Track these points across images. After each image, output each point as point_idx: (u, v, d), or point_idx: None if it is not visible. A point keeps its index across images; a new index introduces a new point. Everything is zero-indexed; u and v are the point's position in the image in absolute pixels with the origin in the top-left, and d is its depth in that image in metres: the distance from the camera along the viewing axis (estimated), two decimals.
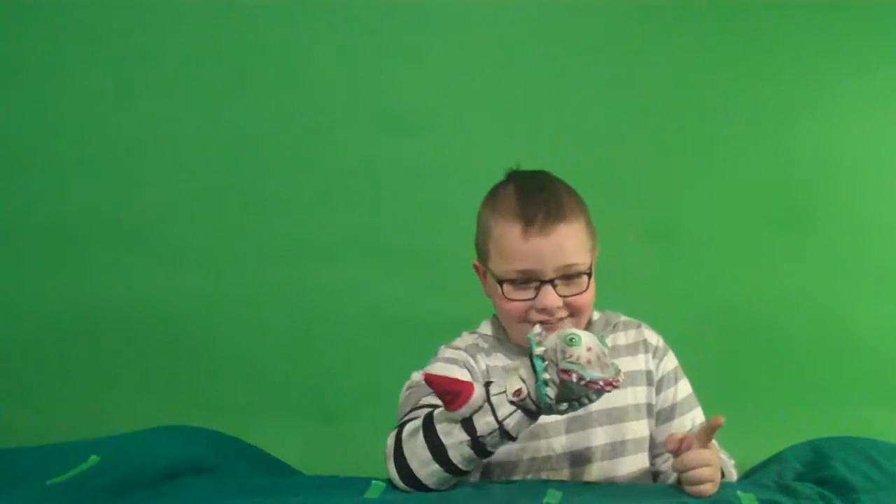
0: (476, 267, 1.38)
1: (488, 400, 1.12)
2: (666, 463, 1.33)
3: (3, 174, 2.14)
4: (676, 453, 1.16)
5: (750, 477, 1.36)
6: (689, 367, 1.43)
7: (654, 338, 1.42)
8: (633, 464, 1.34)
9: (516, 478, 1.32)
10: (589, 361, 1.06)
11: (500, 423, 1.10)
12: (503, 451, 1.30)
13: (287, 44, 2.14)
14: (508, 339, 1.37)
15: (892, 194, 2.08)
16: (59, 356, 2.11)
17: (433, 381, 1.13)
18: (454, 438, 1.12)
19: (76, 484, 1.25)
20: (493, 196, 1.36)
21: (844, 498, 1.16)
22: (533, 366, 1.10)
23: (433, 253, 2.05)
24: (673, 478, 1.25)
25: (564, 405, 1.10)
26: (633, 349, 1.40)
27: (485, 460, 1.28)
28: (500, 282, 1.31)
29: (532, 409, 1.11)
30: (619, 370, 1.08)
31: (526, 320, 1.31)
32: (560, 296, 1.29)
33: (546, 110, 2.09)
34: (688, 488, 1.14)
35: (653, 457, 1.36)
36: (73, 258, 2.12)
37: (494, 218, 1.33)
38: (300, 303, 2.10)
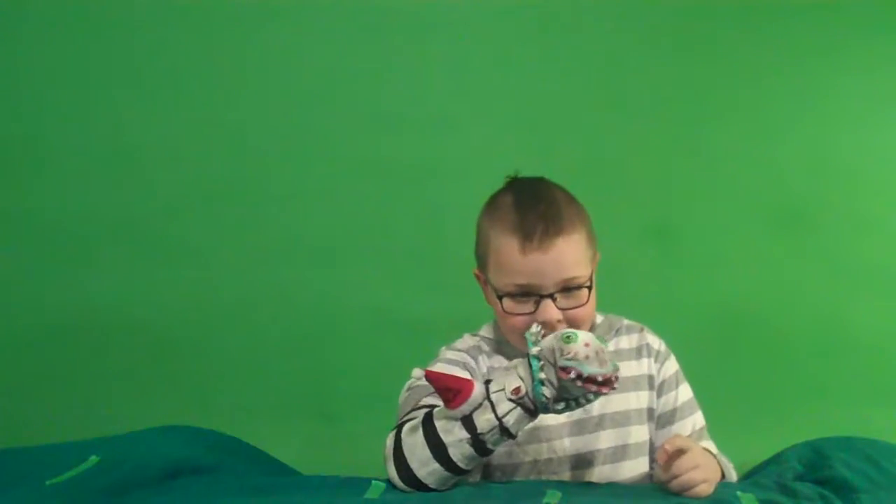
0: (477, 276, 1.38)
1: (488, 397, 1.12)
2: None
3: (4, 174, 2.14)
4: (666, 465, 1.16)
5: (750, 477, 1.36)
6: (689, 367, 1.43)
7: (656, 342, 1.41)
8: (635, 468, 1.34)
9: (517, 479, 1.32)
10: (587, 357, 1.06)
11: (500, 420, 1.11)
12: (504, 453, 1.31)
13: (287, 44, 2.14)
14: (509, 342, 1.37)
15: (892, 194, 2.08)
16: (59, 356, 2.11)
17: (434, 379, 1.13)
18: (454, 436, 1.12)
19: (76, 484, 1.25)
20: (492, 206, 1.35)
21: (844, 498, 1.16)
22: (530, 365, 1.10)
23: (433, 253, 2.05)
24: None
25: (562, 405, 1.10)
26: (636, 353, 1.40)
27: (486, 462, 1.28)
28: (500, 296, 1.30)
29: (530, 407, 1.11)
30: (618, 367, 1.08)
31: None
32: (560, 308, 1.28)
33: (546, 110, 2.09)
34: (685, 494, 1.14)
35: (652, 461, 1.36)
36: (73, 258, 2.12)
37: (493, 230, 1.32)
38: (300, 303, 2.10)
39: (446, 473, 1.14)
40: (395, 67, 2.12)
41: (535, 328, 1.13)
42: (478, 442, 1.12)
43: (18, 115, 2.14)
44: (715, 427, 1.40)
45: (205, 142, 2.13)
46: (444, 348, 1.40)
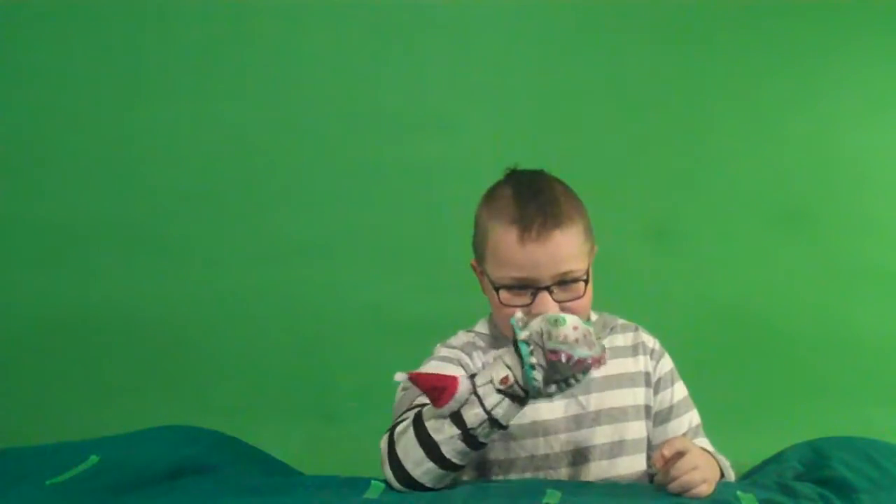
0: (473, 266, 1.38)
1: (475, 391, 1.12)
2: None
3: (4, 174, 2.14)
4: (664, 469, 1.15)
5: (750, 477, 1.36)
6: (689, 366, 1.43)
7: (650, 340, 1.42)
8: (631, 465, 1.34)
9: (514, 476, 1.32)
10: (577, 340, 1.06)
11: (488, 412, 1.11)
12: (502, 449, 1.31)
13: (287, 44, 2.14)
14: (504, 336, 1.37)
15: (892, 194, 2.08)
16: (60, 356, 2.11)
17: (419, 380, 1.12)
18: (445, 434, 1.12)
19: (76, 484, 1.25)
20: (491, 197, 1.35)
21: (844, 498, 1.16)
22: (518, 351, 1.10)
23: (433, 253, 2.05)
24: None
25: (553, 387, 1.10)
26: (631, 351, 1.40)
27: (483, 457, 1.28)
28: (497, 288, 1.30)
29: (520, 394, 1.11)
30: (605, 348, 1.09)
31: None
32: (556, 301, 1.27)
33: (546, 110, 2.09)
34: (685, 495, 1.14)
35: (649, 459, 1.36)
36: (73, 258, 2.12)
37: (491, 221, 1.32)
38: (300, 303, 2.10)
39: (441, 471, 1.14)
40: (395, 68, 2.12)
41: (518, 314, 1.12)
42: (469, 437, 1.12)
43: (19, 116, 2.15)
44: (715, 427, 1.41)
45: (205, 142, 2.13)
46: (438, 345, 1.40)
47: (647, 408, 1.37)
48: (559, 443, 1.32)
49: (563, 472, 1.31)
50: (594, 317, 1.42)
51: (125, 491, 1.22)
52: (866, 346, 2.05)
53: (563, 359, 1.06)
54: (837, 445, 1.39)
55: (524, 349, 1.09)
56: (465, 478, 1.31)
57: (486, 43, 2.14)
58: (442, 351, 1.37)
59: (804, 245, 2.07)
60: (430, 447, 1.13)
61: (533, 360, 1.08)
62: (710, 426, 1.39)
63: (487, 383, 1.12)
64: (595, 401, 1.34)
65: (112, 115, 2.14)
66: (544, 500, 1.11)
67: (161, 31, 2.14)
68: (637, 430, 1.35)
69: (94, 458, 1.33)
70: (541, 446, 1.31)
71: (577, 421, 1.33)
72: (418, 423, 1.15)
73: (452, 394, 1.11)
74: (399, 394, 1.29)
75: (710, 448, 1.33)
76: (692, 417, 1.38)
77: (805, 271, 2.07)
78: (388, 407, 1.32)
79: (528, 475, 1.31)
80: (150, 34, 2.14)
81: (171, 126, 2.13)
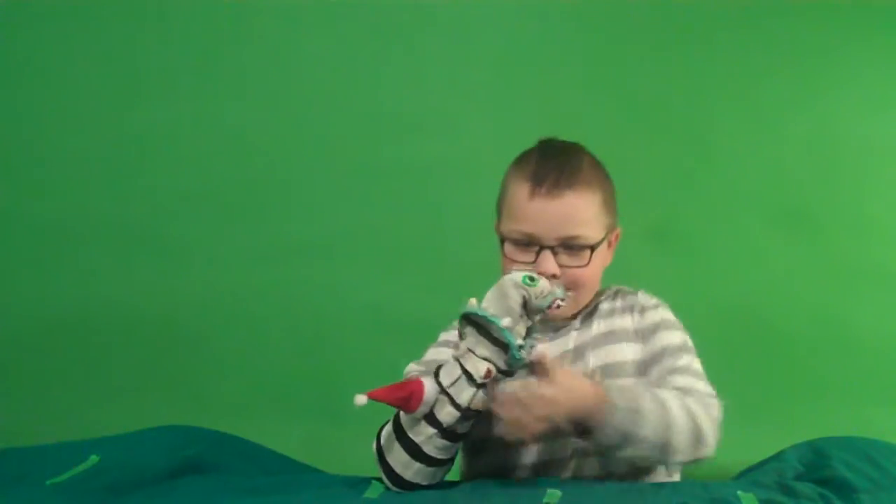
0: (496, 229, 1.37)
1: (444, 392, 1.12)
2: None
3: (3, 174, 2.14)
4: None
5: (750, 476, 1.36)
6: None
7: (645, 298, 1.40)
8: None
9: (529, 448, 1.28)
10: (551, 284, 1.14)
11: (464, 408, 1.11)
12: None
13: (287, 44, 2.14)
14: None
15: (893, 194, 2.08)
16: (59, 356, 2.11)
17: (380, 397, 1.11)
18: (423, 434, 1.12)
19: (76, 484, 1.25)
20: (518, 158, 1.36)
21: (844, 498, 1.16)
22: (497, 340, 1.11)
23: (433, 253, 2.05)
24: None
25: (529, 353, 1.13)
26: (628, 310, 1.39)
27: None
28: (503, 240, 1.30)
29: (501, 378, 1.13)
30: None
31: None
32: (560, 265, 1.27)
33: (546, 110, 2.09)
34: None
35: None
36: (73, 258, 2.12)
37: (510, 177, 1.33)
38: (300, 302, 2.10)
39: (430, 468, 1.14)
40: (395, 68, 2.12)
41: (473, 301, 1.13)
42: (447, 433, 1.12)
43: (19, 116, 2.14)
44: None
45: (205, 142, 2.13)
46: (441, 332, 1.41)
47: (639, 363, 1.34)
48: None
49: (568, 428, 1.30)
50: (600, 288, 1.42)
51: (125, 491, 1.22)
52: (866, 346, 2.04)
53: (556, 305, 1.13)
54: (837, 445, 1.39)
55: (509, 336, 1.09)
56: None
57: (486, 43, 2.14)
58: (443, 336, 1.39)
59: (804, 245, 2.07)
60: (413, 449, 1.13)
61: (519, 341, 1.09)
62: None
63: (457, 381, 1.12)
64: (598, 356, 1.32)
65: (112, 115, 2.14)
66: (544, 501, 1.11)
67: (161, 31, 2.14)
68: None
69: (94, 458, 1.33)
70: None
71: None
72: (398, 427, 1.15)
73: (420, 397, 1.11)
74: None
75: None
76: (674, 361, 1.31)
77: (805, 271, 2.07)
78: (389, 407, 1.32)
79: (540, 447, 1.28)
80: (150, 34, 2.14)
81: (171, 126, 2.13)
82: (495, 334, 1.11)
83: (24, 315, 2.12)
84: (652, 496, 1.14)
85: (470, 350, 1.13)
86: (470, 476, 1.33)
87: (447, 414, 1.11)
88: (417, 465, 1.14)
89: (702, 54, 2.09)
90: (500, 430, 1.11)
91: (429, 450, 1.13)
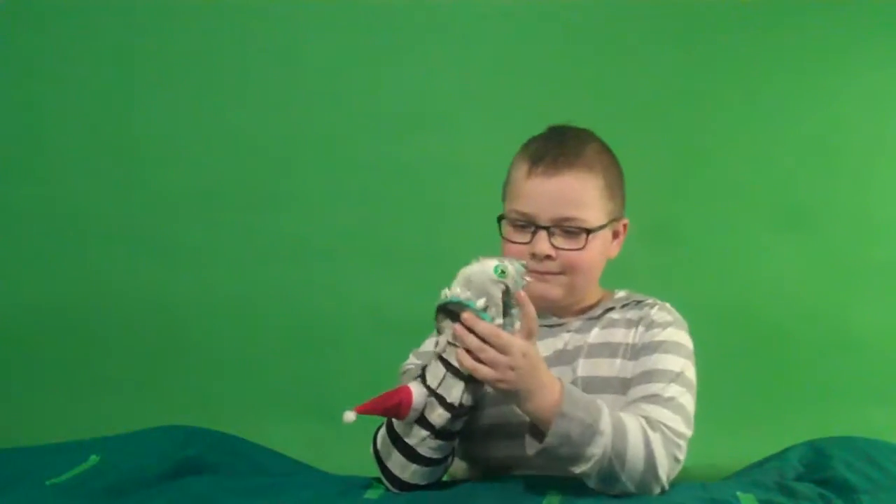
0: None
1: (433, 393, 1.11)
2: None
3: (4, 173, 2.14)
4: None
5: (750, 476, 1.36)
6: None
7: (659, 315, 1.31)
8: None
9: (504, 444, 1.26)
10: (512, 267, 1.15)
11: (456, 407, 1.11)
12: (495, 414, 1.25)
13: (287, 43, 2.14)
14: None
15: (893, 194, 2.08)
16: (60, 356, 2.11)
17: (369, 411, 1.11)
18: (417, 437, 1.12)
19: (76, 484, 1.25)
20: (527, 140, 1.35)
21: (844, 498, 1.16)
22: (455, 316, 1.12)
23: (433, 253, 2.04)
24: None
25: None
26: (628, 324, 1.32)
27: (471, 426, 1.25)
28: (501, 219, 1.29)
29: None
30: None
31: None
32: (555, 247, 1.25)
33: (546, 110, 2.06)
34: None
35: None
36: (73, 257, 2.12)
37: (515, 159, 1.33)
38: (300, 302, 2.10)
39: (428, 468, 1.14)
40: (395, 67, 2.12)
41: (446, 291, 1.13)
42: (441, 433, 1.12)
43: (20, 115, 2.14)
44: (715, 426, 1.40)
45: (205, 141, 2.13)
46: None
47: (622, 381, 1.26)
48: None
49: None
50: (621, 293, 1.38)
51: (125, 491, 1.22)
52: (866, 346, 2.04)
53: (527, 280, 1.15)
54: (837, 445, 1.39)
55: (485, 316, 1.10)
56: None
57: (486, 43, 2.13)
58: None
59: (804, 245, 2.07)
60: (408, 452, 1.13)
61: (499, 320, 1.11)
62: (710, 426, 1.38)
63: (444, 380, 1.11)
64: (585, 368, 1.28)
65: (113, 115, 2.14)
66: (543, 503, 1.11)
67: (162, 31, 2.14)
68: (612, 402, 1.21)
69: (94, 458, 1.33)
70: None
71: None
72: (391, 431, 1.15)
73: (409, 404, 1.11)
74: (401, 378, 1.29)
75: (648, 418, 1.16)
76: (664, 388, 1.21)
77: (805, 271, 2.07)
78: None
79: (519, 442, 1.23)
80: (151, 34, 2.14)
81: (172, 125, 2.13)
82: (468, 306, 1.10)
83: (25, 315, 2.12)
84: (649, 500, 1.14)
85: (450, 342, 1.12)
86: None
87: (438, 416, 1.11)
88: (414, 466, 1.14)
89: (702, 54, 2.09)
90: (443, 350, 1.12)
91: (424, 451, 1.13)
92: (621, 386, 1.25)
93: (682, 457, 1.16)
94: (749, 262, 2.07)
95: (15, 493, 1.19)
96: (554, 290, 1.30)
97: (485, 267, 1.13)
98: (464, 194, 2.05)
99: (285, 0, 2.12)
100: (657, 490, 1.12)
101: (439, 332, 1.15)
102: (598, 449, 1.09)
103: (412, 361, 1.32)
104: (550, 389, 1.10)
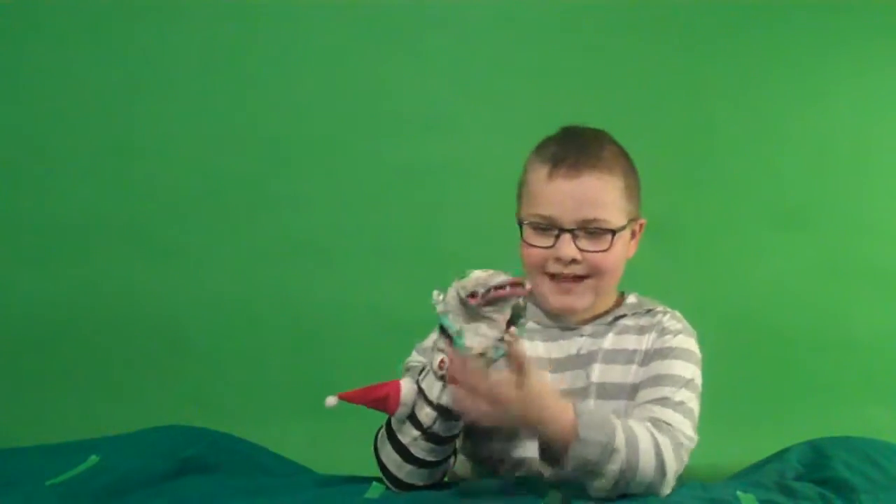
0: (517, 219, 1.33)
1: (420, 390, 1.11)
2: None
3: (4, 173, 2.14)
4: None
5: (750, 476, 1.36)
6: None
7: (671, 323, 1.32)
8: None
9: (514, 443, 1.27)
10: (489, 276, 1.06)
11: (436, 405, 1.09)
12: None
13: (287, 44, 2.14)
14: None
15: (892, 194, 2.08)
16: (59, 356, 2.11)
17: (353, 399, 1.10)
18: (409, 436, 1.12)
19: (76, 484, 1.25)
20: (539, 143, 1.33)
21: (844, 498, 1.16)
22: (443, 329, 1.08)
23: (433, 253, 2.05)
24: None
25: (491, 351, 1.07)
26: (640, 330, 1.32)
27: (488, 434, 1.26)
28: (521, 223, 1.28)
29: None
30: (520, 277, 1.06)
31: (545, 271, 1.26)
32: (580, 249, 1.24)
33: (546, 110, 2.07)
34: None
35: None
36: (73, 257, 2.12)
37: (531, 162, 1.30)
38: (300, 302, 2.10)
39: (422, 469, 1.14)
40: (395, 68, 2.12)
41: (435, 294, 1.09)
42: (430, 436, 1.11)
43: (20, 115, 2.14)
44: (715, 426, 1.39)
45: (205, 141, 2.13)
46: None
47: (633, 386, 1.28)
48: None
49: None
50: (633, 299, 1.37)
51: (125, 491, 1.22)
52: (866, 345, 2.04)
53: (482, 291, 1.04)
54: (837, 445, 1.39)
55: (445, 321, 1.07)
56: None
57: (486, 43, 2.14)
58: None
59: (804, 245, 2.07)
60: (402, 451, 1.13)
61: (457, 326, 1.06)
62: (710, 426, 1.38)
63: (427, 376, 1.11)
64: (597, 373, 1.28)
65: (112, 115, 2.13)
66: (544, 502, 1.11)
67: (161, 31, 2.14)
68: (624, 409, 1.25)
69: (94, 458, 1.33)
70: None
71: (576, 393, 1.27)
72: (389, 429, 1.14)
73: (397, 398, 1.10)
74: (404, 373, 1.29)
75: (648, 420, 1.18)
76: (673, 391, 1.22)
77: (804, 271, 2.07)
78: None
79: (528, 444, 1.26)
80: (150, 34, 2.14)
81: (172, 125, 2.13)
82: (443, 324, 1.09)
83: (25, 315, 2.12)
84: (649, 500, 1.14)
85: (435, 344, 1.12)
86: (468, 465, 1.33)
87: (426, 415, 1.10)
88: (409, 466, 1.13)
89: (702, 54, 2.09)
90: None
91: (416, 452, 1.12)
92: (633, 392, 1.26)
93: (687, 459, 1.18)
94: (749, 262, 2.08)
95: (15, 493, 1.19)
96: (580, 300, 1.29)
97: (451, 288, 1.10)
98: (464, 194, 2.05)
99: (285, 1, 2.12)
100: (666, 492, 1.13)
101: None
102: (615, 466, 1.09)
103: (416, 358, 1.31)
104: (562, 415, 1.09)
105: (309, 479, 1.35)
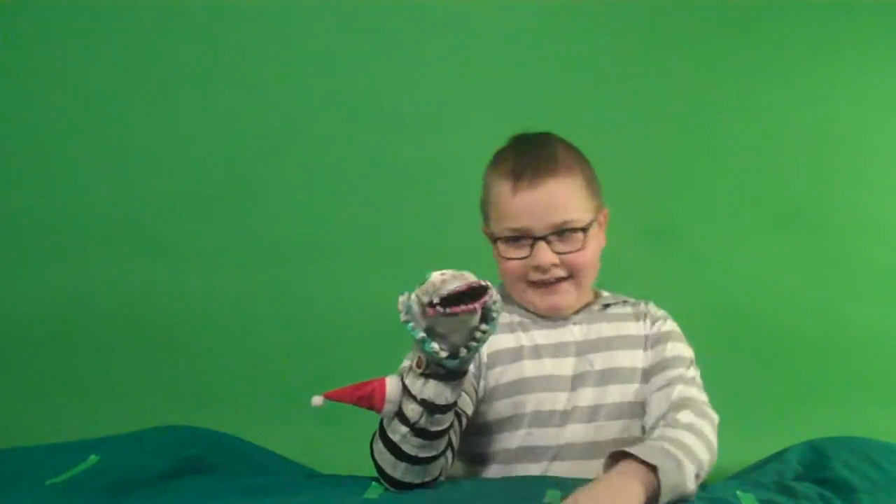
0: (484, 232, 1.39)
1: (404, 386, 1.11)
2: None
3: (3, 173, 2.14)
4: None
5: (750, 476, 1.36)
6: None
7: (654, 309, 1.42)
8: (639, 427, 1.32)
9: (521, 433, 1.30)
10: (443, 281, 1.03)
11: (420, 400, 1.09)
12: (508, 405, 1.30)
13: (287, 43, 2.14)
14: (509, 297, 1.38)
15: (893, 194, 2.08)
16: (59, 356, 2.11)
17: (338, 397, 1.09)
18: (399, 433, 1.12)
19: (76, 484, 1.25)
20: (494, 157, 1.39)
21: (844, 498, 1.16)
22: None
23: (433, 253, 2.04)
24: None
25: (463, 351, 1.06)
26: (633, 317, 1.40)
27: (485, 418, 1.29)
28: (495, 240, 1.32)
29: (440, 371, 1.08)
30: (486, 282, 1.04)
31: (525, 280, 1.33)
32: (556, 253, 1.29)
33: (546, 110, 2.08)
34: None
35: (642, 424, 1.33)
36: (73, 257, 2.12)
37: (490, 178, 1.36)
38: (300, 302, 2.10)
39: (415, 467, 1.14)
40: (394, 67, 2.12)
41: (400, 301, 1.08)
42: (418, 431, 1.11)
43: (19, 114, 2.15)
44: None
45: (205, 141, 2.13)
46: None
47: (644, 371, 1.35)
48: (565, 399, 1.31)
49: (570, 430, 1.30)
50: (605, 292, 1.44)
51: (125, 491, 1.22)
52: (866, 346, 2.04)
53: (436, 301, 1.02)
54: (837, 445, 1.39)
55: (408, 328, 1.07)
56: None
57: (486, 43, 2.13)
58: None
59: (803, 245, 2.07)
60: (393, 449, 1.13)
61: (420, 333, 1.05)
62: None
63: (409, 372, 1.11)
64: (602, 360, 1.34)
65: (112, 115, 2.14)
66: (545, 501, 1.11)
67: (161, 30, 2.14)
68: (635, 392, 1.33)
69: (94, 458, 1.33)
70: (545, 401, 1.30)
71: (584, 379, 1.32)
72: (381, 427, 1.15)
73: (382, 395, 1.10)
74: None
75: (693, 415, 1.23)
76: (684, 374, 1.31)
77: (804, 271, 2.07)
78: None
79: (537, 431, 1.29)
80: (150, 33, 2.14)
81: (171, 125, 2.13)
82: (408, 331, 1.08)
83: (24, 315, 2.12)
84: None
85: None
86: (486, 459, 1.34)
87: (412, 410, 1.10)
88: (403, 464, 1.13)
89: (702, 54, 2.09)
90: None
91: (407, 449, 1.12)
92: (643, 375, 1.34)
93: (717, 420, 1.24)
94: (748, 261, 2.08)
95: (15, 493, 1.19)
96: (564, 298, 1.36)
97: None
98: (463, 194, 2.04)
99: (285, 1, 2.12)
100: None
101: None
102: (693, 485, 1.11)
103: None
104: (631, 492, 1.06)
105: (308, 479, 1.35)
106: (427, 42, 2.13)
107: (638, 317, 1.40)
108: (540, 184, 1.29)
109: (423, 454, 1.13)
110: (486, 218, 1.38)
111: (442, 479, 1.21)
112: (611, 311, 1.41)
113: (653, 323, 1.39)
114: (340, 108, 2.12)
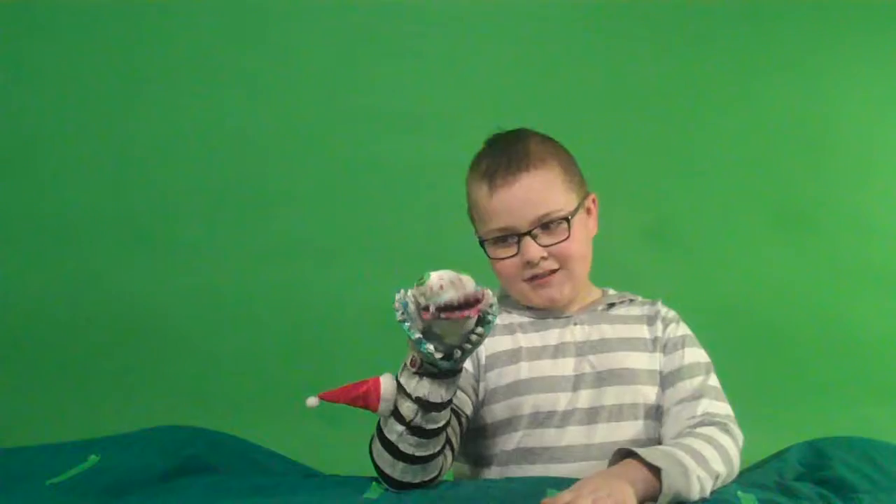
0: (478, 240, 1.38)
1: (399, 385, 1.11)
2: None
3: (4, 172, 2.14)
4: None
5: (750, 476, 1.36)
6: None
7: (666, 310, 1.40)
8: (639, 429, 1.31)
9: (519, 434, 1.30)
10: (441, 287, 1.03)
11: (415, 399, 1.09)
12: (505, 406, 1.30)
13: (287, 43, 2.14)
14: (507, 297, 1.39)
15: (893, 194, 2.08)
16: (59, 355, 2.11)
17: (333, 398, 1.10)
18: (395, 432, 1.12)
19: (76, 484, 1.25)
20: (471, 162, 1.39)
21: (844, 498, 1.16)
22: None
23: (433, 253, 2.04)
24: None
25: (458, 353, 1.06)
26: (646, 319, 1.39)
27: (484, 420, 1.29)
28: (483, 242, 1.33)
29: (434, 371, 1.09)
30: (484, 289, 1.04)
31: (520, 278, 1.32)
32: (543, 246, 1.29)
33: (545, 110, 2.09)
34: None
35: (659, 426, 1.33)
36: (72, 258, 2.12)
37: (470, 182, 1.37)
38: (300, 302, 2.10)
39: (413, 466, 1.13)
40: (394, 67, 2.12)
41: (397, 296, 1.08)
42: (415, 429, 1.11)
43: (20, 114, 2.15)
44: None
45: (205, 141, 2.13)
46: None
47: (660, 373, 1.34)
48: (565, 400, 1.30)
49: (569, 432, 1.30)
50: (610, 291, 1.42)
51: (125, 491, 1.22)
52: (866, 346, 2.04)
53: (432, 309, 1.02)
54: (837, 445, 1.39)
55: (404, 327, 1.07)
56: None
57: (485, 43, 2.14)
58: None
59: (803, 245, 2.07)
60: (390, 448, 1.13)
61: (416, 334, 1.05)
62: None
63: (404, 371, 1.11)
64: (605, 361, 1.33)
65: (112, 115, 2.14)
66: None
67: (161, 31, 2.14)
68: (647, 394, 1.32)
69: (94, 458, 1.33)
70: (544, 402, 1.30)
71: (585, 380, 1.32)
72: (378, 427, 1.15)
73: (377, 394, 1.10)
74: None
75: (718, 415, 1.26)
76: (704, 380, 1.32)
77: (804, 271, 2.07)
78: None
79: (534, 432, 1.29)
80: (150, 33, 2.14)
81: (171, 125, 2.13)
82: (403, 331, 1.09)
83: (24, 315, 2.12)
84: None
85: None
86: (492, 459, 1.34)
87: (407, 408, 1.10)
88: (401, 463, 1.13)
89: (702, 54, 2.09)
90: None
91: (404, 447, 1.12)
92: (650, 378, 1.32)
93: (741, 441, 1.25)
94: (749, 261, 2.08)
95: (15, 493, 1.19)
96: (559, 290, 1.34)
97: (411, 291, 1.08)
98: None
99: (285, 1, 2.12)
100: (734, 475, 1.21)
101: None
102: (698, 495, 1.11)
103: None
104: (630, 468, 1.09)
105: (308, 479, 1.35)
106: (428, 43, 2.13)
107: (648, 320, 1.38)
108: (514, 180, 1.29)
109: (419, 452, 1.13)
110: (473, 223, 1.39)
111: (442, 478, 1.21)
112: (615, 311, 1.39)
113: (665, 326, 1.37)
114: (340, 108, 2.13)
